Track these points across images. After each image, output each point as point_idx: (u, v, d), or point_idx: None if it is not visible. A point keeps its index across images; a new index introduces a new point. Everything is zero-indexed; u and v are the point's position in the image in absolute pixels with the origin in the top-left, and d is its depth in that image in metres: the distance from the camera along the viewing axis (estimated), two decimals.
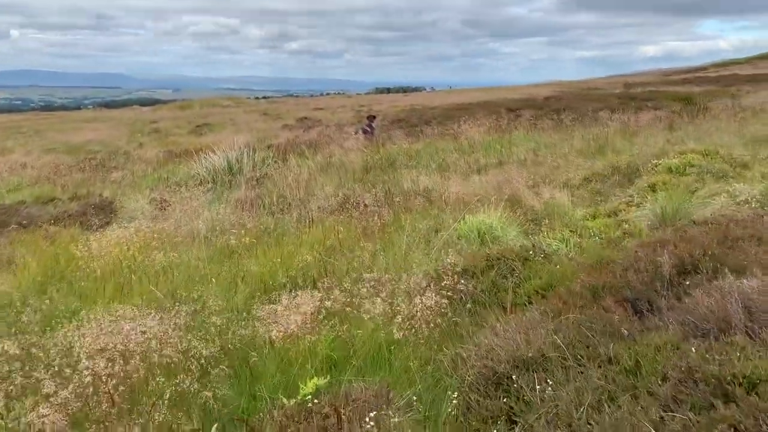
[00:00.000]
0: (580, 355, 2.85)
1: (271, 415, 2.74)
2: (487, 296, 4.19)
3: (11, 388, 3.02)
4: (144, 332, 3.29)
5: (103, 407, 2.92)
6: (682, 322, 2.94)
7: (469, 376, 3.02)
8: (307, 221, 7.06)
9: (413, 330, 3.51)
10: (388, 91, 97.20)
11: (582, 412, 2.46)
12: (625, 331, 2.99)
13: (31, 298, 4.90)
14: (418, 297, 3.57)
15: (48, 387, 2.92)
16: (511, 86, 73.05)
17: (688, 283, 3.41)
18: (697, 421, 2.16)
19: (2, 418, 2.89)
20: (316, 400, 2.78)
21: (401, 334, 3.51)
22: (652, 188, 6.44)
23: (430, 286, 3.93)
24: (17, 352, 3.31)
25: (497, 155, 10.17)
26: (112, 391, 2.96)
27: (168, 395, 3.01)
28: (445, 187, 7.88)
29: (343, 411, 2.64)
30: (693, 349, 2.58)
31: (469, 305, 4.06)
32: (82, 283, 5.27)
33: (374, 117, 18.87)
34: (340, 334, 3.71)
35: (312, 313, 3.69)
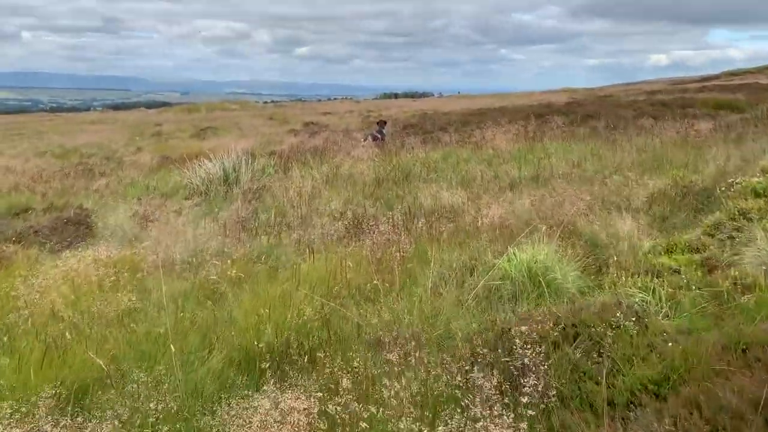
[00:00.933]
0: None
1: None
2: (567, 387, 2.84)
3: None
4: None
5: None
6: None
7: None
8: (309, 250, 5.71)
9: None
10: (396, 96, 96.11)
11: None
12: None
13: None
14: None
15: None
16: (523, 93, 71.74)
17: None
18: None
19: None
20: None
21: None
22: (745, 216, 5.09)
23: (487, 378, 2.57)
24: None
25: (531, 168, 8.82)
26: None
27: None
28: (476, 208, 6.54)
29: None
30: None
31: (542, 404, 2.70)
32: (5, 339, 3.95)
33: (384, 122, 17.54)
34: None
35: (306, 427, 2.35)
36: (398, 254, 4.95)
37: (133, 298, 4.45)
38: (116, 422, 2.55)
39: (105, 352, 3.61)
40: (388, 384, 2.60)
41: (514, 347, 2.95)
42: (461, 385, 2.70)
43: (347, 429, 2.41)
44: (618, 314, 3.23)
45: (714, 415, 2.20)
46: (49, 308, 4.29)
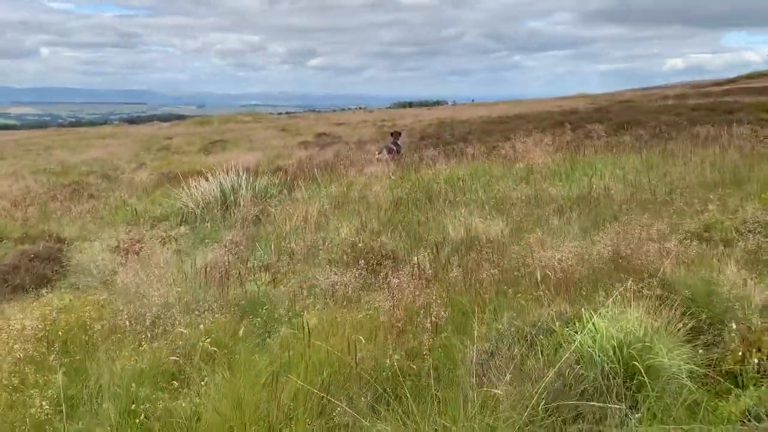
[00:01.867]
0: None
1: None
2: None
3: None
4: None
5: None
6: None
7: None
8: (307, 312, 4.36)
9: None
10: (410, 105, 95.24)
11: None
12: None
13: None
14: None
15: None
16: (537, 99, 70.34)
17: None
18: None
19: None
20: None
21: None
22: None
23: None
24: None
25: (579, 186, 7.43)
26: None
27: None
28: (521, 243, 5.17)
29: None
30: None
31: None
32: None
33: (399, 133, 16.19)
34: None
35: None
36: (429, 321, 3.58)
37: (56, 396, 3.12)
38: None
39: None
40: None
41: None
42: None
43: None
44: None
45: None
46: None
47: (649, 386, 3.04)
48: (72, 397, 3.61)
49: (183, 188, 10.75)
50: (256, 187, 10.25)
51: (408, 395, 2.91)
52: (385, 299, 3.67)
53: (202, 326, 4.07)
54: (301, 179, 11.09)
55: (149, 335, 4.17)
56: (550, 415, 2.81)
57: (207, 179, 10.84)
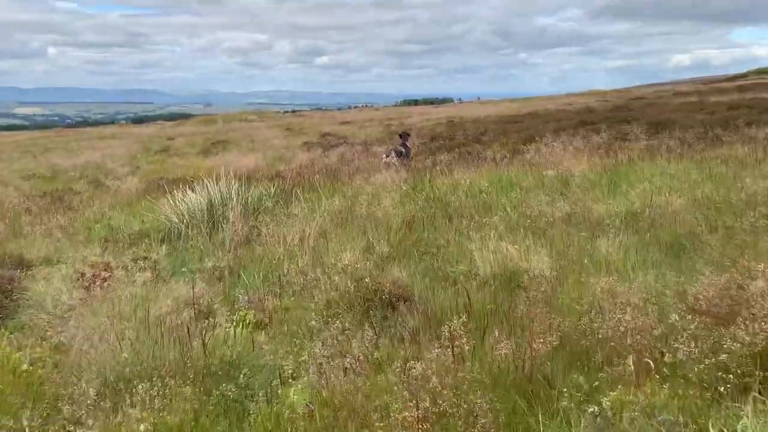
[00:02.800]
0: None
1: None
2: None
3: None
4: None
5: None
6: None
7: None
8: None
9: None
10: (416, 102, 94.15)
11: None
12: None
13: None
14: None
15: None
16: (546, 96, 68.94)
17: None
18: None
19: None
20: None
21: None
22: None
23: None
24: None
25: (625, 200, 6.17)
26: None
27: None
28: (583, 293, 3.92)
29: None
30: None
31: None
32: None
33: (408, 134, 14.85)
34: None
35: None
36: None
37: None
38: None
39: None
40: None
41: None
42: None
43: None
44: None
45: None
46: None
47: None
48: None
49: (168, 199, 9.56)
50: (249, 199, 9.02)
51: None
52: (404, 405, 2.43)
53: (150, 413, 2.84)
54: (300, 188, 9.86)
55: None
56: None
57: (196, 189, 9.64)
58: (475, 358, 3.08)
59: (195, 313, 5.67)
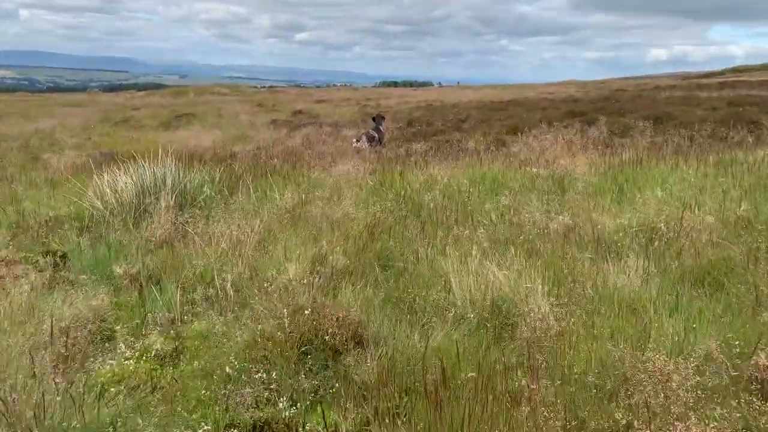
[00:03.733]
0: None
1: None
2: None
3: None
4: None
5: None
6: None
7: None
8: None
9: None
10: (396, 84, 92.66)
11: None
12: None
13: None
14: None
15: None
16: (525, 84, 68.20)
17: None
18: None
19: None
20: None
21: None
22: None
23: None
24: None
25: (635, 209, 4.98)
26: None
27: None
28: (599, 345, 2.73)
29: None
30: None
31: None
32: None
33: (383, 117, 13.40)
34: None
35: None
36: None
37: None
38: None
39: None
40: None
41: None
42: None
43: None
44: None
45: None
46: None
47: None
48: None
49: (96, 181, 8.12)
50: (187, 186, 7.64)
51: None
52: None
53: None
54: (252, 174, 8.50)
55: None
56: None
57: (130, 170, 8.22)
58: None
59: (89, 336, 4.40)
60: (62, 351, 3.90)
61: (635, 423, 2.27)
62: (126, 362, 4.09)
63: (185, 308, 4.85)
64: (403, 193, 6.42)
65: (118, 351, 4.23)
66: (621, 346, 3.01)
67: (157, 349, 4.29)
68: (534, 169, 6.64)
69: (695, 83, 42.73)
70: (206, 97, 50.56)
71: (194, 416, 3.34)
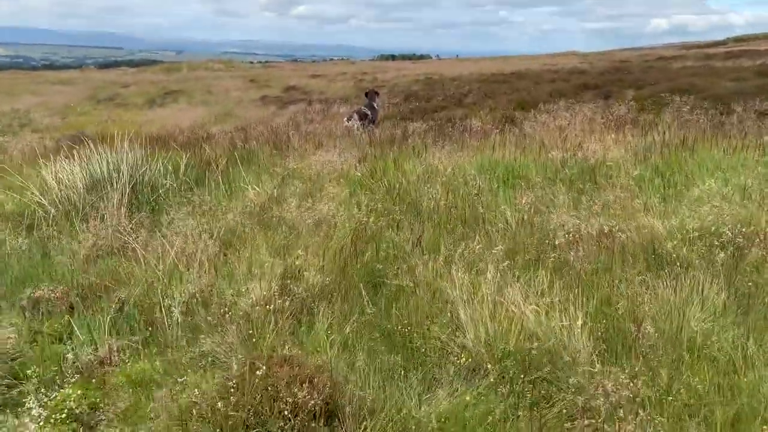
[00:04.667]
0: None
1: None
2: None
3: None
4: None
5: None
6: None
7: None
8: None
9: None
10: (393, 57, 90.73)
11: None
12: None
13: None
14: None
15: None
16: (528, 56, 66.30)
17: None
18: None
19: None
20: None
21: None
22: None
23: None
24: None
25: (687, 207, 3.92)
26: None
27: None
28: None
29: None
30: None
31: None
32: None
33: (377, 93, 12.07)
34: None
35: None
36: None
37: None
38: None
39: None
40: None
41: None
42: None
43: None
44: None
45: None
46: None
47: None
48: None
49: (45, 171, 7.02)
50: (145, 177, 6.52)
51: None
52: None
53: None
54: (226, 160, 7.38)
55: None
56: None
57: (81, 158, 7.10)
58: None
59: None
60: None
61: None
62: (32, 426, 3.09)
63: (119, 343, 3.80)
64: (397, 186, 5.30)
65: (27, 405, 3.22)
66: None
67: (70, 408, 3.25)
68: (556, 154, 5.51)
69: (702, 53, 41.25)
70: (199, 72, 49.11)
71: None
